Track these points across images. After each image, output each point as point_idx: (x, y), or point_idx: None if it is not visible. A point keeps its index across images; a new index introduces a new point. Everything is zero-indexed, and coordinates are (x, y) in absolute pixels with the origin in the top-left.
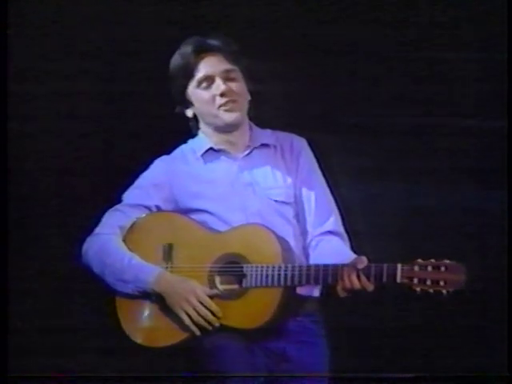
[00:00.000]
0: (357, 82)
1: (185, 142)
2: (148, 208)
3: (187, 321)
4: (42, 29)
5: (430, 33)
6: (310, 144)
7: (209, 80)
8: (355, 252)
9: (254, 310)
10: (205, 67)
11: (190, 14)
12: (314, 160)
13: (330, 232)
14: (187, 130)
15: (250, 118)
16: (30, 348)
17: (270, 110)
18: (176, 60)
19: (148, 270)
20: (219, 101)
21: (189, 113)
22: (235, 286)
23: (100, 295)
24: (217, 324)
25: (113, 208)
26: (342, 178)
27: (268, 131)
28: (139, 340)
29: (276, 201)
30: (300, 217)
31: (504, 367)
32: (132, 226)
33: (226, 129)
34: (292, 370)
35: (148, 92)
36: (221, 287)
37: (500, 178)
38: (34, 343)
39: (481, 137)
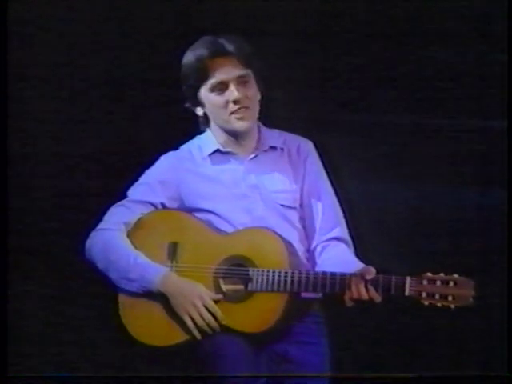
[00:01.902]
0: (357, 82)
1: (192, 137)
2: (153, 205)
3: (190, 324)
4: (43, 24)
5: (431, 33)
6: (316, 145)
7: (222, 85)
8: (358, 257)
9: (259, 314)
10: (219, 72)
11: (199, 12)
12: (320, 164)
13: (336, 238)
14: (194, 125)
15: (258, 118)
16: (30, 348)
17: (276, 110)
18: (189, 61)
19: (154, 270)
20: (232, 107)
21: (199, 111)
22: (240, 289)
23: (102, 294)
24: (218, 329)
25: (117, 203)
26: (345, 180)
27: (275, 132)
28: (141, 338)
29: (282, 205)
30: (306, 222)
31: (504, 367)
32: (137, 223)
33: (235, 134)
34: (294, 370)
35: (155, 87)
36: (225, 290)
37: (500, 178)
38: (33, 343)
39: (481, 137)
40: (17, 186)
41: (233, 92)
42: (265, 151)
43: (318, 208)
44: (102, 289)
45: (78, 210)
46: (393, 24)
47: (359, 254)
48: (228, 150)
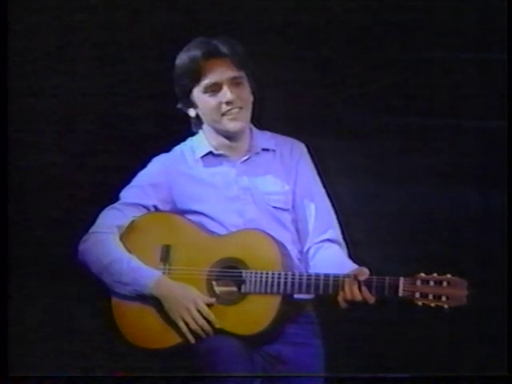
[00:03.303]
0: (357, 82)
1: (184, 140)
2: (146, 207)
3: (184, 328)
4: (43, 26)
5: (430, 33)
6: (308, 147)
7: (216, 87)
8: (352, 258)
9: (253, 316)
10: (212, 74)
11: (195, 16)
12: (312, 166)
13: (329, 240)
14: (186, 128)
15: (250, 120)
16: (30, 348)
17: (268, 111)
18: (183, 61)
19: (147, 274)
20: (224, 108)
21: (191, 112)
22: (233, 291)
23: (98, 295)
24: (212, 333)
25: (110, 206)
26: (340, 180)
27: (267, 134)
28: (135, 341)
29: (274, 207)
30: (298, 223)
31: (504, 367)
32: (130, 226)
33: (227, 135)
34: (288, 371)
35: (147, 90)
36: (219, 292)
37: (500, 178)
38: (33, 343)
39: (481, 137)
40: (13, 190)
41: (226, 93)
42: (257, 153)
43: (311, 210)
44: (100, 291)
45: (73, 212)
46: (392, 24)
47: (354, 256)
48: (220, 152)
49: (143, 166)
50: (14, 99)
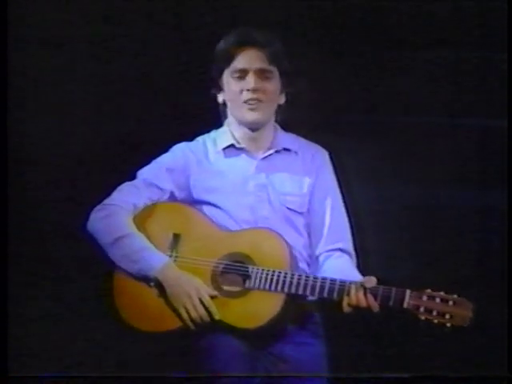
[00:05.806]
0: (358, 82)
1: (208, 131)
2: (161, 190)
3: (184, 315)
4: (42, 25)
5: (430, 32)
6: (331, 157)
7: (242, 73)
8: (359, 267)
9: (254, 311)
10: (243, 59)
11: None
12: (334, 175)
13: (340, 249)
14: (211, 119)
15: (276, 121)
16: (30, 348)
17: (294, 114)
18: (220, 45)
19: (156, 257)
20: (246, 96)
21: (220, 98)
22: (238, 286)
23: (102, 295)
24: (210, 323)
25: (126, 183)
26: (344, 180)
27: (292, 136)
28: (132, 322)
29: (289, 208)
30: (311, 229)
31: (504, 367)
32: (143, 211)
33: (246, 125)
34: (290, 370)
35: (161, 84)
36: (223, 285)
37: (500, 178)
38: (33, 343)
39: (481, 136)
40: (16, 189)
41: (250, 81)
42: (278, 151)
43: (326, 217)
44: (102, 290)
45: (77, 211)
46: (394, 24)
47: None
48: (242, 146)
49: (164, 151)
50: (14, 94)
